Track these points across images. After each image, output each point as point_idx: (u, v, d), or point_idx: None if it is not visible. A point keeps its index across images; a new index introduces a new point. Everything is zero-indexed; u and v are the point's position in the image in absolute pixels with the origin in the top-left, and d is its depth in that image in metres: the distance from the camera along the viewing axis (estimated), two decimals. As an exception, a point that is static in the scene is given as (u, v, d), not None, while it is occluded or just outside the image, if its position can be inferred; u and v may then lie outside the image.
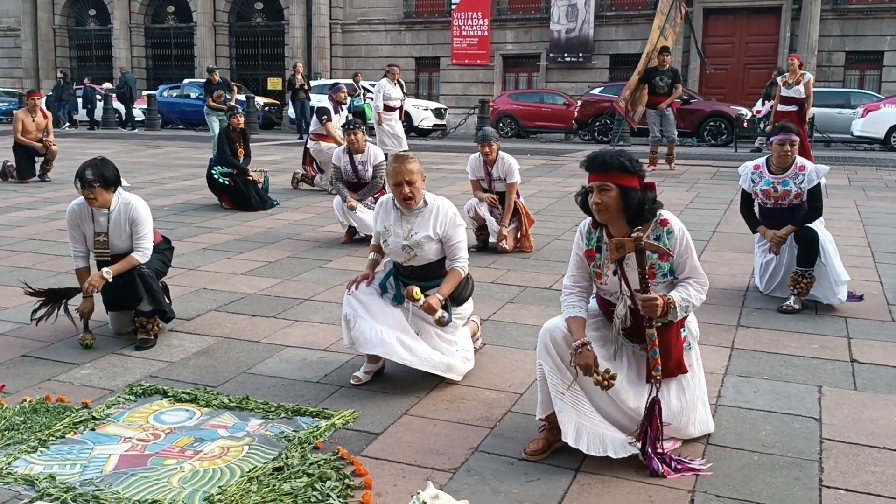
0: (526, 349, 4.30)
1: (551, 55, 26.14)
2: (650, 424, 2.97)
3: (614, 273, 3.03)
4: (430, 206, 3.80)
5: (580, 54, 25.91)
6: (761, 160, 5.13)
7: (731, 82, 24.59)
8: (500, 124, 20.69)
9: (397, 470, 3.03)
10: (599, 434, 3.03)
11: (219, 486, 2.92)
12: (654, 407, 2.97)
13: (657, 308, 2.85)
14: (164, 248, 4.66)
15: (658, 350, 2.93)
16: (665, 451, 3.03)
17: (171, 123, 24.16)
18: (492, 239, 6.67)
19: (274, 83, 28.29)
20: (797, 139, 4.96)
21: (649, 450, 2.97)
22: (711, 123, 18.78)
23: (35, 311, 4.50)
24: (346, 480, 2.93)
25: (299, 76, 19.11)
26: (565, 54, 26.08)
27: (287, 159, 13.46)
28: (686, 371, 3.11)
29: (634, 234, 2.82)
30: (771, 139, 5.00)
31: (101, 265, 4.37)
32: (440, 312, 3.72)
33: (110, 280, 4.28)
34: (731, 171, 11.45)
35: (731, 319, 4.81)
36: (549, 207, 9.09)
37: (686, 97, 19.22)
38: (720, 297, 5.24)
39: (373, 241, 4.04)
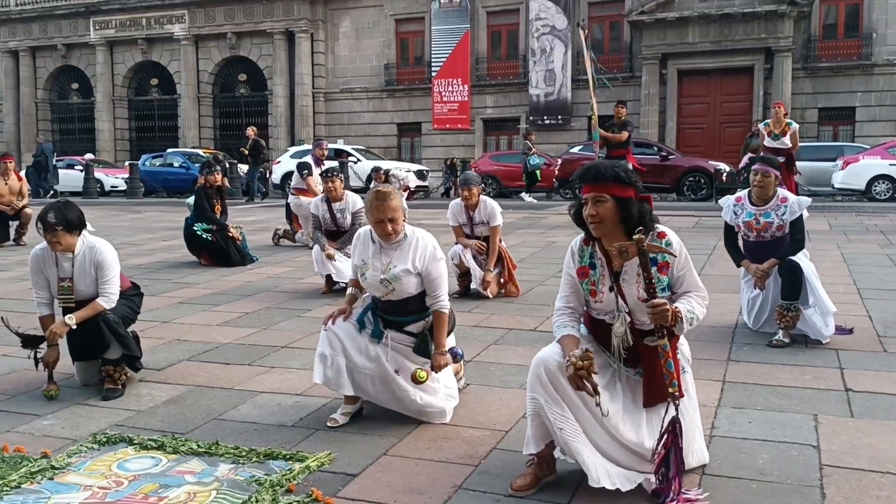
0: (511, 388, 4.14)
1: (531, 118, 26.50)
2: (673, 446, 2.78)
3: (610, 290, 2.91)
4: (410, 238, 3.68)
5: (559, 117, 26.30)
6: (743, 192, 5.09)
7: (707, 141, 24.96)
8: (482, 185, 20.80)
9: (376, 509, 2.84)
10: (603, 465, 2.85)
11: (183, 531, 2.71)
12: (675, 426, 2.79)
13: (668, 314, 2.70)
14: (132, 294, 4.50)
15: (672, 363, 2.77)
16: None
17: (154, 192, 24.12)
18: (474, 285, 6.54)
19: (257, 152, 28.43)
20: (772, 171, 4.91)
21: (674, 472, 2.77)
22: (691, 179, 18.94)
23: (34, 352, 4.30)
24: (320, 521, 2.74)
25: (250, 140, 19.19)
26: (544, 117, 26.47)
27: (268, 219, 13.37)
28: (683, 395, 2.96)
29: (636, 237, 2.70)
30: (753, 167, 4.95)
31: (66, 312, 4.20)
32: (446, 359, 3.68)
33: (74, 327, 4.10)
34: (713, 220, 11.47)
35: (721, 354, 4.68)
36: (532, 256, 9.00)
37: (664, 153, 19.45)
38: (709, 333, 5.12)
39: (351, 276, 3.91)
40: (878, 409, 3.72)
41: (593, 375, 2.72)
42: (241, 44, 30.15)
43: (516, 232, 11.43)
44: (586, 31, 16.17)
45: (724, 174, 17.34)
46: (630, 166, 11.95)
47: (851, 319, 5.33)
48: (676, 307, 2.77)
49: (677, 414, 2.80)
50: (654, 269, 2.81)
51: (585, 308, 3.05)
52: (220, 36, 30.12)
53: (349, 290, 3.87)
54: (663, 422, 2.81)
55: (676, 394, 2.78)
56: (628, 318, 2.89)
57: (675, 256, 2.85)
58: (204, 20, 30.14)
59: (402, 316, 3.71)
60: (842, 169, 17.48)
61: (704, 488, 2.90)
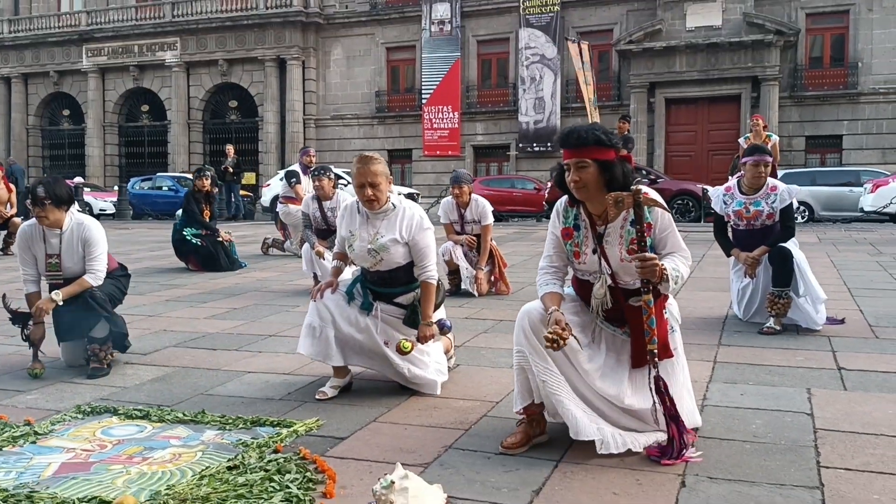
0: (502, 368, 4.10)
1: (520, 145, 26.67)
2: (664, 405, 2.77)
3: (594, 251, 2.90)
4: (397, 208, 3.67)
5: (548, 144, 26.45)
6: (732, 182, 5.11)
7: (695, 168, 25.13)
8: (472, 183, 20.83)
9: (364, 466, 2.79)
10: (587, 419, 2.82)
11: (168, 485, 2.65)
12: (658, 384, 2.77)
13: (656, 268, 2.68)
14: (119, 275, 4.46)
15: (655, 320, 2.75)
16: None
17: (142, 215, 24.05)
18: (464, 285, 6.52)
19: (248, 178, 28.44)
20: (770, 159, 4.94)
21: (675, 436, 2.75)
22: (679, 202, 19.03)
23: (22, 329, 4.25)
24: (308, 474, 2.68)
25: (229, 159, 19.22)
26: (534, 144, 26.62)
27: (256, 234, 13.33)
28: (672, 355, 2.93)
29: (634, 188, 2.69)
30: (744, 159, 4.97)
31: (52, 289, 4.15)
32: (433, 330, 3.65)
33: (60, 303, 4.05)
34: (702, 235, 11.50)
35: (711, 340, 4.66)
36: (523, 262, 9.01)
37: (653, 177, 19.57)
38: (699, 324, 5.10)
39: (336, 249, 3.89)
40: (870, 383, 3.71)
41: (568, 338, 2.70)
42: (232, 70, 30.32)
43: (507, 243, 11.44)
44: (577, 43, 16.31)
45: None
46: None
47: (842, 313, 5.33)
48: (662, 265, 2.76)
49: (658, 372, 2.78)
50: (635, 231, 2.80)
51: (571, 268, 3.04)
52: (212, 63, 30.29)
53: (334, 263, 3.84)
54: (649, 381, 2.79)
55: (655, 350, 2.76)
56: (609, 280, 2.88)
57: (667, 210, 2.84)
58: (196, 47, 30.33)
59: (391, 287, 3.68)
60: (871, 192, 17.35)
61: (697, 448, 2.86)
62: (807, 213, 17.98)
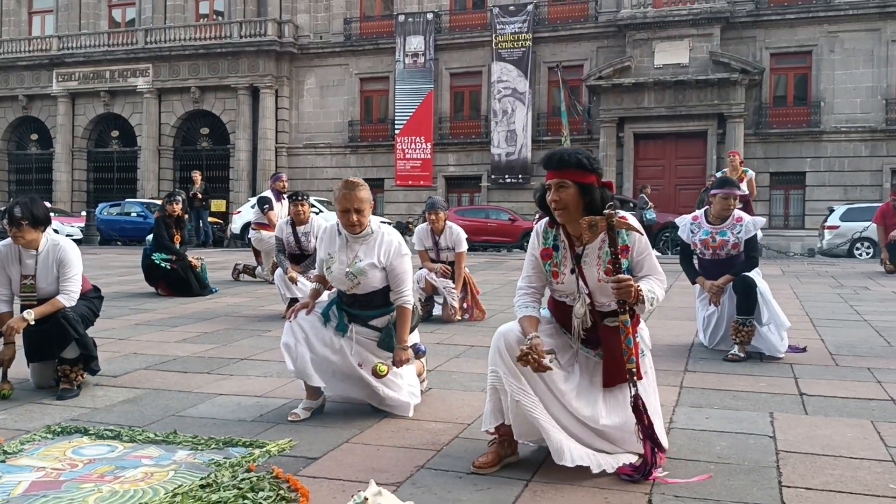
0: (473, 391, 4.15)
1: (492, 176, 26.90)
2: (641, 424, 2.84)
3: (571, 272, 2.98)
4: (376, 233, 3.72)
5: (520, 175, 26.72)
6: (699, 212, 5.24)
7: (664, 202, 25.43)
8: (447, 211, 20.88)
9: (337, 485, 2.82)
10: (564, 438, 2.88)
11: (140, 503, 2.66)
12: (636, 402, 2.84)
13: (631, 289, 2.77)
14: (92, 297, 4.45)
15: (633, 339, 2.83)
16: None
17: (110, 241, 23.82)
18: (436, 311, 6.57)
19: (218, 204, 28.31)
20: (739, 193, 5.09)
21: (647, 454, 2.82)
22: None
23: None
24: (281, 492, 2.70)
25: (197, 185, 19.21)
26: (506, 176, 26.86)
27: (226, 260, 13.27)
28: (642, 377, 3.01)
29: (607, 212, 2.78)
30: (714, 191, 5.11)
31: (24, 309, 4.13)
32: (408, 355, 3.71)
33: (32, 322, 4.03)
34: (669, 266, 11.67)
35: (678, 366, 4.75)
36: (494, 290, 9.08)
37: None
38: (666, 351, 5.20)
39: (315, 272, 3.93)
40: (831, 408, 3.81)
41: (541, 357, 2.77)
42: (204, 98, 30.28)
43: (479, 272, 11.51)
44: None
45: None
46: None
47: (804, 342, 5.46)
48: (638, 286, 2.85)
49: (637, 390, 2.85)
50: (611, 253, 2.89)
51: (549, 289, 3.11)
52: (184, 90, 30.23)
53: (312, 286, 3.88)
54: (631, 399, 2.86)
55: (634, 369, 2.84)
56: (588, 300, 2.96)
57: (641, 234, 2.94)
58: (168, 74, 30.27)
59: (367, 310, 3.72)
60: None
61: (664, 469, 2.93)
62: None
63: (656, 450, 2.86)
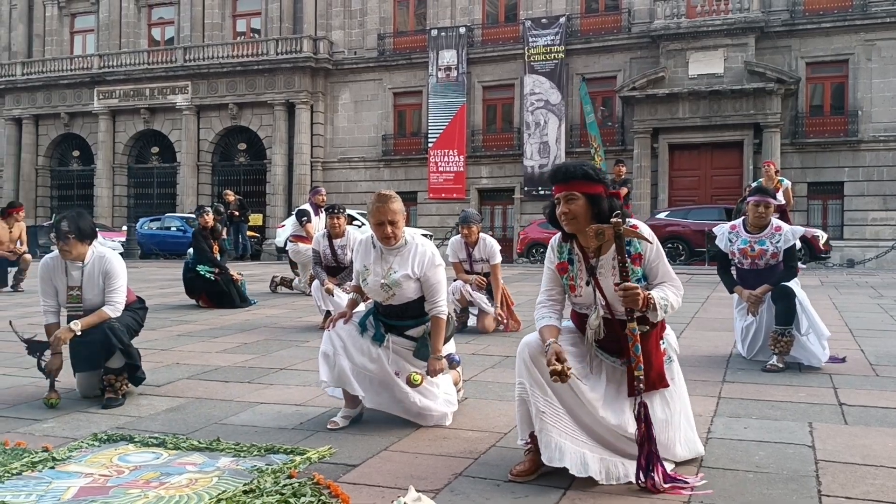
0: (509, 401, 4.15)
1: (525, 188, 26.90)
2: (638, 430, 2.85)
3: (587, 283, 3.00)
4: (410, 244, 3.78)
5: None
6: (738, 221, 5.22)
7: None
8: (533, 251, 20.82)
9: (376, 492, 2.87)
10: (580, 454, 2.90)
11: (185, 507, 2.73)
12: (640, 411, 2.86)
13: (639, 298, 2.79)
14: (137, 308, 4.56)
15: (640, 347, 2.85)
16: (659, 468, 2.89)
17: (151, 255, 24.26)
18: (471, 322, 6.61)
19: (255, 218, 28.68)
20: (772, 201, 5.07)
21: (642, 460, 2.83)
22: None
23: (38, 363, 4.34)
24: (323, 498, 2.76)
25: (231, 203, 19.44)
26: (539, 188, 26.84)
27: (265, 273, 13.45)
28: (668, 385, 3.03)
29: (613, 220, 2.81)
30: (747, 199, 5.10)
31: (71, 320, 4.25)
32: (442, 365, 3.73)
33: (78, 333, 4.15)
34: (706, 277, 11.60)
35: (716, 377, 4.73)
36: (530, 301, 9.04)
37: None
38: (703, 362, 5.18)
39: (353, 282, 4.00)
40: (871, 418, 3.77)
41: (568, 371, 2.80)
42: (241, 114, 30.75)
43: (513, 284, 11.52)
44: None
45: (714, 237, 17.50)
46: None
47: (844, 352, 5.40)
48: (649, 294, 2.87)
49: (641, 398, 2.86)
50: (627, 262, 2.91)
51: (569, 302, 3.14)
52: (222, 106, 30.74)
53: (350, 296, 3.95)
54: (635, 407, 2.88)
55: (641, 376, 2.86)
56: (602, 312, 2.98)
57: (650, 242, 2.95)
58: (206, 91, 30.81)
59: (403, 320, 3.77)
60: None
61: (701, 477, 2.93)
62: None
63: (653, 459, 2.84)
